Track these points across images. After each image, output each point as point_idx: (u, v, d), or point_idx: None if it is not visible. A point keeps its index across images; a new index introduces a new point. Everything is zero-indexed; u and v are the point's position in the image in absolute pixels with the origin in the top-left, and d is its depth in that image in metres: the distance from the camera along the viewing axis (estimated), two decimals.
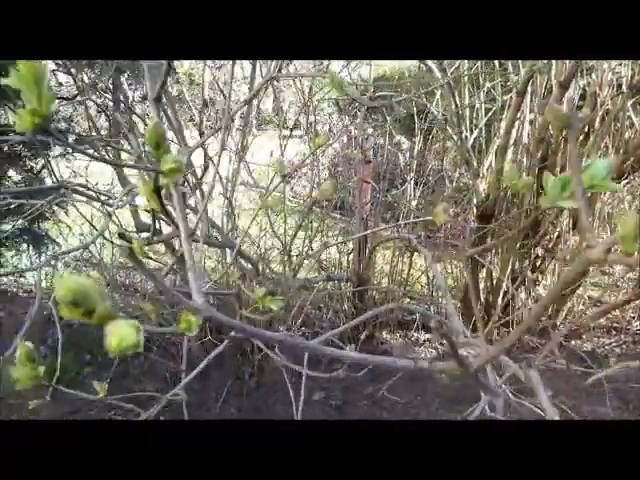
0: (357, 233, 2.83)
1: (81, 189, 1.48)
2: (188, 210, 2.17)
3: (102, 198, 1.57)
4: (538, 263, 3.20)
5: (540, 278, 3.31)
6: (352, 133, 4.05)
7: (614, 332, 3.46)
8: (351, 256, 3.07)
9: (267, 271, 2.73)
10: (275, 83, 3.47)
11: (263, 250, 2.92)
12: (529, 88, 2.81)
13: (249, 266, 2.14)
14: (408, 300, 3.63)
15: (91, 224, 1.99)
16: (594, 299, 3.62)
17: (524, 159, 3.02)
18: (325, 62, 2.83)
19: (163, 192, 0.50)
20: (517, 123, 2.93)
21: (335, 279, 2.88)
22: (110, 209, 1.14)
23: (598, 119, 2.95)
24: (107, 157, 2.38)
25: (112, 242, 2.02)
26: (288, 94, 5.03)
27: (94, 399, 0.65)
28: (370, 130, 4.02)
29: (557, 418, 0.44)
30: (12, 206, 2.71)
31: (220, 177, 2.27)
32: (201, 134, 2.89)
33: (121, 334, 0.31)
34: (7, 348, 0.80)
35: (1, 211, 2.72)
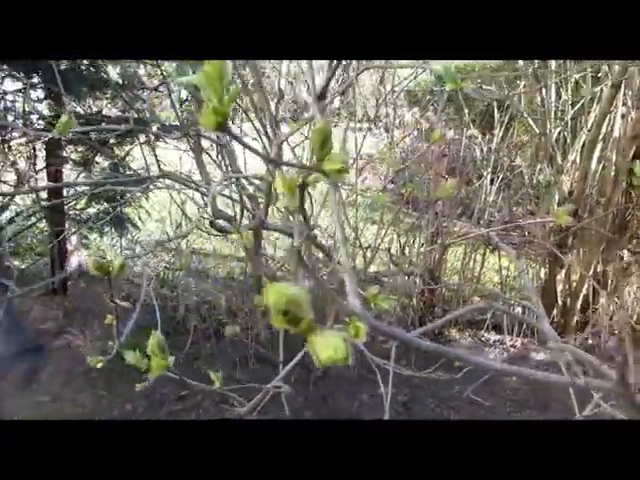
0: (429, 228, 2.78)
1: (181, 178, 1.53)
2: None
3: (199, 187, 1.62)
4: (624, 268, 3.02)
5: (625, 284, 3.11)
6: (424, 126, 3.96)
7: None
8: (422, 251, 3.02)
9: (337, 263, 2.74)
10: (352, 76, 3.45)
11: (334, 242, 2.92)
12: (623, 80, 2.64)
13: (322, 255, 2.14)
14: (477, 299, 3.53)
15: (183, 211, 2.06)
16: None
17: (613, 156, 2.84)
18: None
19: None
20: (609, 117, 2.76)
21: (407, 274, 2.84)
22: (205, 198, 1.16)
23: None
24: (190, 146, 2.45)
25: (204, 230, 2.08)
26: (358, 88, 4.99)
27: (210, 389, 0.67)
28: (442, 123, 3.92)
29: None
30: (97, 191, 2.86)
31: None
32: (276, 123, 2.92)
33: (332, 346, 0.31)
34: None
35: (89, 196, 2.88)
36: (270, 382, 2.88)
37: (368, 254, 2.30)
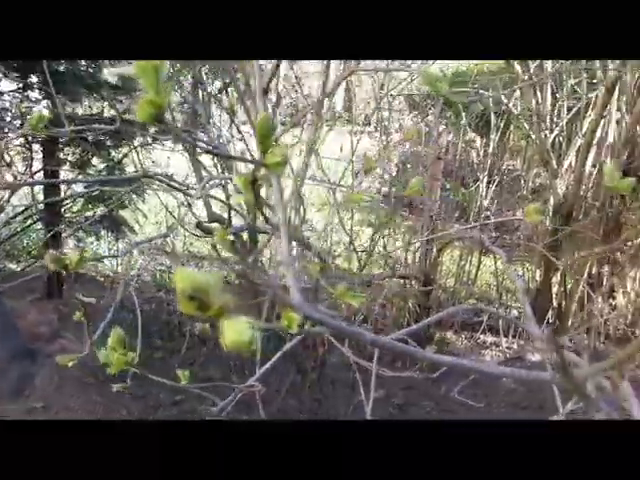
0: (425, 231, 2.79)
1: (162, 179, 1.53)
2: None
3: (182, 188, 1.62)
4: (619, 269, 3.03)
5: (620, 285, 3.13)
6: (423, 129, 3.98)
7: None
8: (418, 254, 3.03)
9: (333, 266, 2.74)
10: (349, 79, 3.47)
11: (329, 245, 2.93)
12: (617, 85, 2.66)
13: (316, 259, 2.15)
14: (474, 301, 3.54)
15: (170, 213, 2.06)
16: None
17: (607, 160, 2.86)
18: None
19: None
20: (603, 122, 2.78)
21: (402, 277, 2.85)
22: (190, 199, 1.17)
23: None
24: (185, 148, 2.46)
25: (190, 232, 2.08)
26: (359, 91, 5.01)
27: (178, 387, 0.67)
28: (442, 127, 3.93)
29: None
30: (93, 193, 2.86)
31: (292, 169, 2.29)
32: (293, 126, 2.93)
33: (238, 330, 0.31)
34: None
35: (85, 198, 2.88)
36: (266, 386, 2.86)
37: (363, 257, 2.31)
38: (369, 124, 4.22)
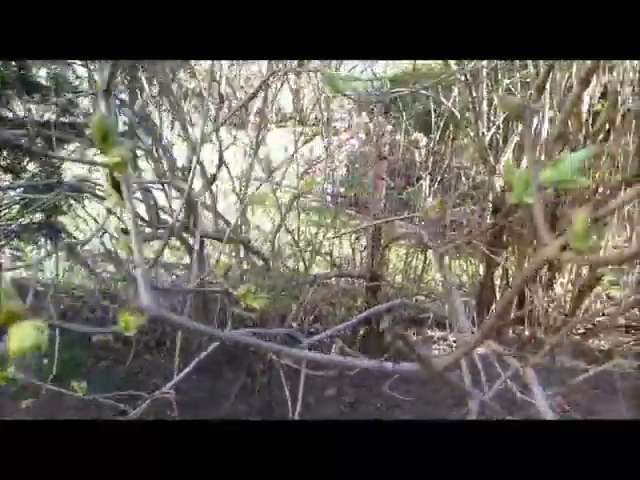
0: (370, 230, 2.82)
1: (77, 184, 1.49)
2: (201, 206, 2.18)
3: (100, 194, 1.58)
4: (556, 261, 3.16)
5: (557, 276, 3.26)
6: (370, 129, 4.03)
7: (633, 331, 3.40)
8: (364, 253, 3.06)
9: (280, 266, 2.74)
10: (294, 79, 3.47)
11: (277, 246, 2.92)
12: (548, 85, 2.77)
13: (260, 261, 2.15)
14: (422, 298, 3.61)
15: (95, 220, 2.01)
16: (612, 298, 3.56)
17: (542, 156, 2.97)
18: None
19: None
20: (536, 120, 2.89)
21: (348, 276, 2.87)
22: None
23: (619, 117, 2.89)
24: None
25: (115, 237, 2.03)
26: (308, 92, 5.02)
27: (80, 397, 0.65)
28: (389, 127, 4.00)
29: (551, 417, 0.43)
30: (23, 201, 2.76)
31: (229, 172, 2.27)
32: (217, 130, 2.90)
33: (22, 335, 0.30)
34: None
35: (18, 205, 2.77)
36: (214, 391, 2.84)
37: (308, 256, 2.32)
38: (318, 124, 4.23)
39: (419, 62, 5.00)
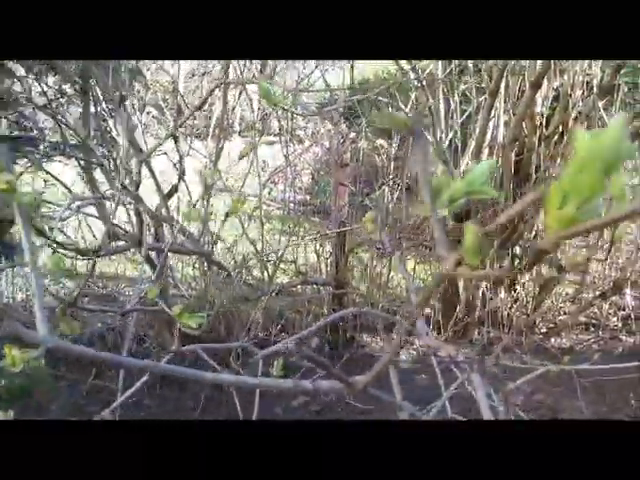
0: (334, 237, 2.83)
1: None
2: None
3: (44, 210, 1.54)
4: (516, 262, 3.22)
5: (519, 277, 3.33)
6: (332, 136, 4.04)
7: (592, 329, 3.49)
8: (329, 260, 3.06)
9: (244, 277, 2.71)
10: (250, 89, 3.45)
11: (240, 256, 2.90)
12: (502, 89, 2.84)
13: (223, 273, 2.12)
14: (387, 303, 3.63)
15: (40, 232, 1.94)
16: (571, 296, 3.66)
17: (499, 159, 3.04)
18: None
19: None
20: (492, 124, 2.95)
21: (313, 283, 2.86)
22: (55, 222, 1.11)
23: (571, 120, 2.98)
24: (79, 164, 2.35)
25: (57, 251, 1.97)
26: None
27: None
28: (352, 134, 4.02)
29: (491, 418, 0.43)
30: None
31: (185, 184, 2.24)
32: (175, 140, 2.87)
33: None
34: None
35: None
36: (176, 406, 2.77)
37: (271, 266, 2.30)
38: (281, 134, 4.22)
39: (377, 68, 5.06)
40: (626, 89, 3.50)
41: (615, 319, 3.57)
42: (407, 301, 3.00)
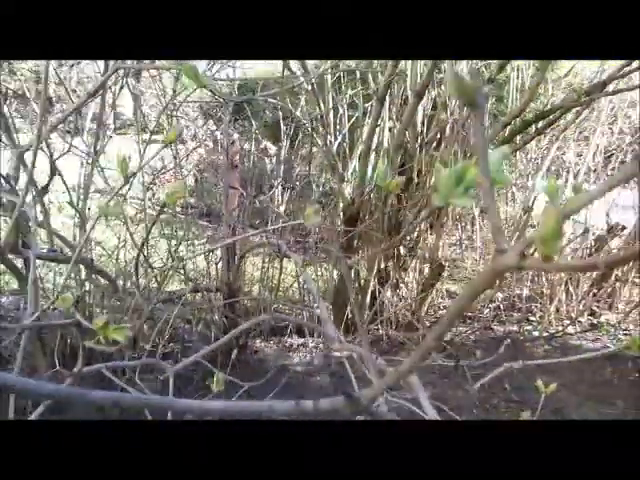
0: (224, 240, 2.74)
1: None
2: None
3: None
4: (401, 262, 3.37)
5: (403, 276, 3.48)
6: (218, 138, 3.94)
7: (468, 320, 3.76)
8: (220, 265, 2.97)
9: (129, 286, 2.53)
10: (133, 83, 3.24)
11: (124, 263, 2.70)
12: (387, 97, 2.95)
13: (106, 282, 1.95)
14: (279, 307, 3.61)
15: None
16: (451, 292, 3.92)
17: (384, 164, 3.16)
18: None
19: None
20: (378, 129, 3.05)
21: (203, 290, 2.75)
22: None
23: (449, 127, 3.19)
24: None
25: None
26: (149, 97, 4.77)
27: None
28: (236, 135, 3.94)
29: (437, 418, 0.43)
30: None
31: (65, 184, 2.04)
32: (45, 137, 2.59)
33: None
34: None
35: None
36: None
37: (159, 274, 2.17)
38: (160, 132, 4.01)
39: (265, 69, 5.03)
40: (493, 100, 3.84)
41: (487, 311, 3.90)
42: (314, 304, 3.00)
